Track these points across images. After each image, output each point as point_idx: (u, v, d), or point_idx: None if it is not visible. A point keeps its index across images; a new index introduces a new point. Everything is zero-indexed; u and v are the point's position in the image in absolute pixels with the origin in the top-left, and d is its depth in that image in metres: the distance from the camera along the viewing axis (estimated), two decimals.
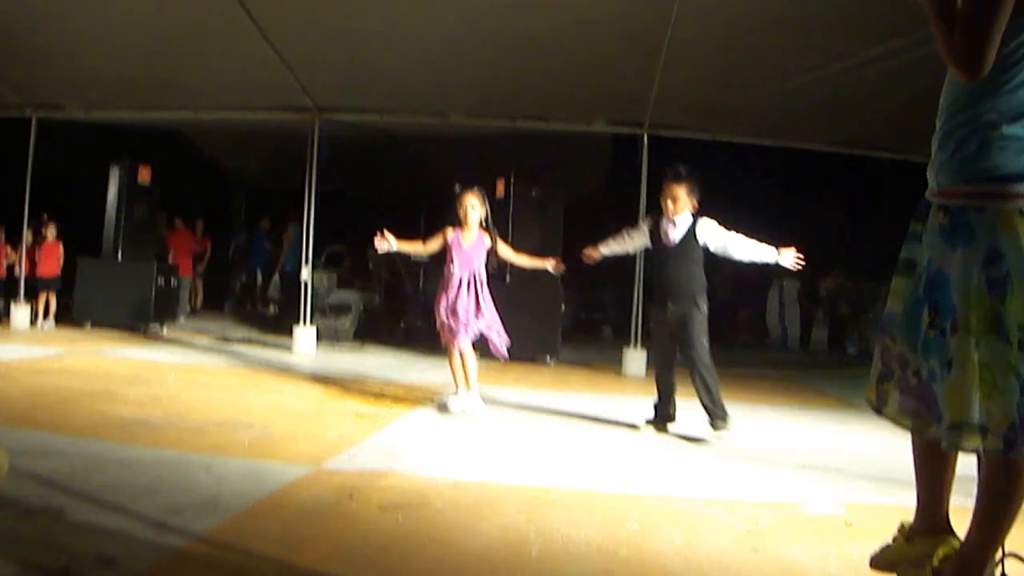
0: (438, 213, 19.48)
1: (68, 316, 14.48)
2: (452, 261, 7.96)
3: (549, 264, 8.42)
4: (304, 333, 12.52)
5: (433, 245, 8.16)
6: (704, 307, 7.35)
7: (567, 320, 14.86)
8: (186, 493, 4.58)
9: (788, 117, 11.58)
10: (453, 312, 7.88)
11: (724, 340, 20.08)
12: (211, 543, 3.89)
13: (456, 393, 8.01)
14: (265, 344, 13.13)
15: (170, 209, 17.52)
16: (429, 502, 4.75)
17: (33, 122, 13.85)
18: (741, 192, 23.95)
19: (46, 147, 14.32)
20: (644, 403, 9.15)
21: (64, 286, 14.96)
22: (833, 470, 6.33)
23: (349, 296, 14.64)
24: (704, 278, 7.42)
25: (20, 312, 13.99)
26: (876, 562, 3.52)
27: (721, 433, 7.19)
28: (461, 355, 7.97)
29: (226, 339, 13.56)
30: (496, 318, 8.11)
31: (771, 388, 11.59)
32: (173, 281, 15.05)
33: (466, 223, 7.98)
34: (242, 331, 14.91)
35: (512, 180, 12.74)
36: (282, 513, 4.43)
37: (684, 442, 7.27)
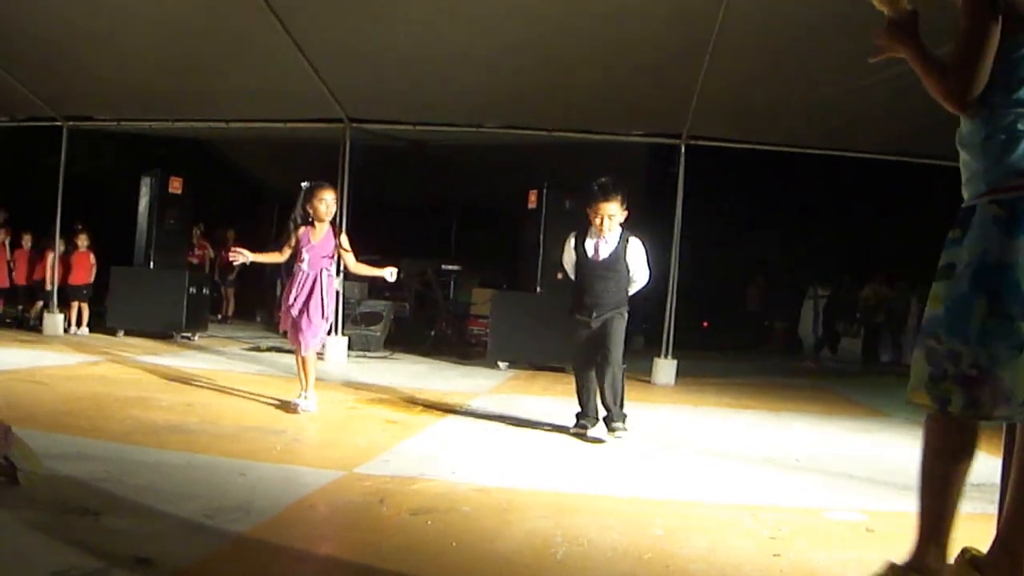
0: (470, 222, 19.63)
1: (101, 324, 14.61)
2: (302, 259, 7.76)
3: (386, 272, 8.08)
4: (335, 341, 12.59)
5: (288, 250, 7.93)
6: (625, 315, 7.34)
7: None
8: (220, 497, 4.63)
9: (829, 125, 11.54)
10: (301, 311, 7.71)
11: (757, 351, 20.10)
12: (245, 545, 3.94)
13: (304, 396, 7.83)
14: (295, 352, 13.19)
15: (202, 219, 17.69)
16: (457, 507, 4.78)
17: (64, 132, 14.02)
18: (780, 201, 23.98)
19: (78, 157, 14.49)
20: (673, 411, 9.24)
21: (97, 294, 15.12)
22: (858, 477, 6.33)
23: (380, 305, 14.72)
24: (627, 289, 7.40)
25: (53, 319, 14.14)
26: None
27: (618, 433, 7.18)
28: (306, 359, 7.86)
29: (257, 347, 13.63)
30: (329, 319, 8.00)
31: (800, 396, 11.56)
32: (204, 289, 15.17)
33: (319, 218, 7.78)
34: (273, 339, 14.98)
35: (545, 191, 12.75)
36: (314, 516, 4.50)
37: (708, 449, 7.25)
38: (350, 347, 12.97)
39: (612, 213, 7.11)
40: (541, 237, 12.53)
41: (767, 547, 4.38)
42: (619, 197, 7.12)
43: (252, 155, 17.20)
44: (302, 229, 7.80)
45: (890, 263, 21.14)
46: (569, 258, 7.54)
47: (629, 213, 7.27)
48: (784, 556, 4.21)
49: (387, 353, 13.85)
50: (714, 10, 9.04)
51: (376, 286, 16.33)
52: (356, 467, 5.64)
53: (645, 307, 20.04)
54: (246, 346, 13.80)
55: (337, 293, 12.55)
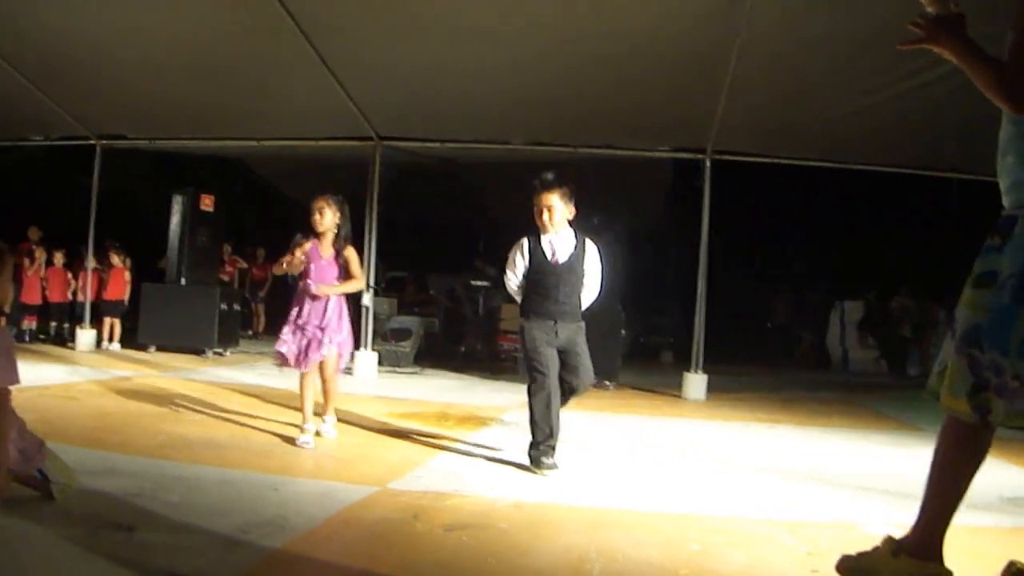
0: (498, 238, 19.64)
1: (133, 340, 14.68)
2: (310, 275, 7.30)
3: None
4: (365, 357, 12.59)
5: (299, 262, 7.32)
6: (584, 326, 6.88)
7: (626, 345, 14.78)
8: (253, 512, 4.64)
9: (853, 138, 11.48)
10: (305, 328, 7.25)
11: (785, 364, 20.01)
12: (280, 560, 3.94)
13: (303, 429, 7.09)
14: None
15: (233, 236, 17.77)
16: (492, 522, 4.76)
17: (97, 151, 14.13)
18: (806, 214, 23.90)
19: (111, 175, 14.60)
20: (705, 426, 9.19)
21: (129, 310, 15.24)
22: (893, 492, 6.24)
23: (409, 321, 14.73)
24: (582, 295, 6.88)
25: (86, 335, 14.22)
26: (846, 566, 3.53)
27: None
28: (304, 382, 7.33)
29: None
30: (347, 335, 7.51)
31: (831, 411, 11.49)
32: (235, 305, 15.22)
33: (317, 228, 7.36)
34: None
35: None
36: (348, 532, 4.48)
37: (742, 464, 7.19)
38: (380, 363, 12.98)
39: (552, 204, 6.58)
40: None
41: (805, 563, 4.34)
42: (560, 189, 6.63)
43: (282, 173, 17.25)
44: (310, 243, 7.40)
45: (914, 275, 20.99)
46: (520, 266, 6.85)
47: (577, 211, 6.76)
48: (822, 572, 4.16)
49: (417, 369, 13.85)
50: (736, 26, 9.02)
51: (405, 302, 16.37)
52: (389, 482, 5.64)
53: (673, 322, 20.12)
54: (278, 362, 13.79)
55: (367, 309, 12.58)
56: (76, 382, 9.97)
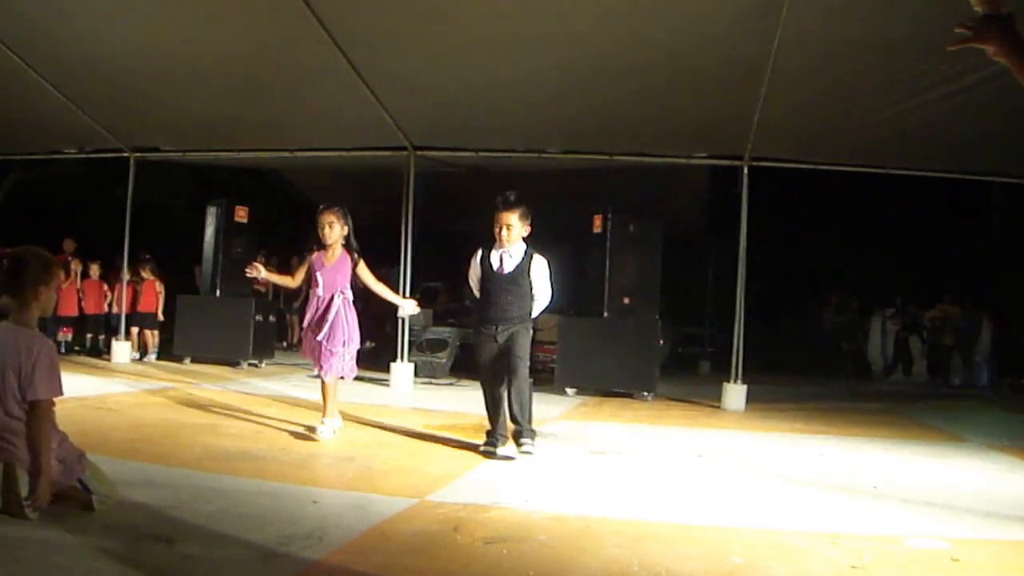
0: (533, 247, 19.58)
1: (168, 351, 14.72)
2: (317, 283, 7.75)
3: (405, 304, 8.51)
4: (401, 368, 12.56)
5: (300, 275, 8.01)
6: (530, 329, 7.38)
7: (664, 354, 14.70)
8: (292, 524, 4.60)
9: (893, 143, 11.34)
10: (316, 335, 7.63)
11: (824, 373, 19.86)
12: (318, 573, 3.90)
13: (323, 422, 7.67)
14: (362, 379, 13.19)
15: (268, 247, 17.80)
16: (532, 535, 4.70)
17: (131, 163, 14.20)
18: (845, 221, 23.73)
19: (145, 187, 14.67)
20: (745, 437, 9.10)
21: (164, 323, 15.31)
22: (937, 504, 6.14)
23: (445, 332, 14.69)
24: (531, 304, 7.39)
25: (122, 347, 14.27)
26: None
27: (526, 448, 7.14)
28: (327, 385, 7.79)
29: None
30: (356, 343, 7.84)
31: (873, 421, 11.33)
32: (270, 317, 15.25)
33: (326, 241, 7.72)
34: None
35: (609, 216, 12.67)
36: (388, 545, 4.42)
37: (783, 475, 7.10)
38: (416, 374, 12.95)
39: (510, 223, 7.18)
40: (607, 261, 12.45)
41: None
42: (519, 210, 7.23)
43: (316, 183, 17.28)
44: (315, 254, 7.81)
45: (958, 283, 20.77)
46: (475, 273, 7.54)
47: (532, 229, 7.38)
48: None
49: (453, 380, 13.81)
50: (772, 31, 8.92)
51: (439, 313, 16.34)
52: (428, 494, 5.59)
53: (711, 331, 20.02)
54: (312, 373, 13.77)
55: (402, 320, 12.55)
56: (113, 394, 10.00)
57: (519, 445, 7.17)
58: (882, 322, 20.48)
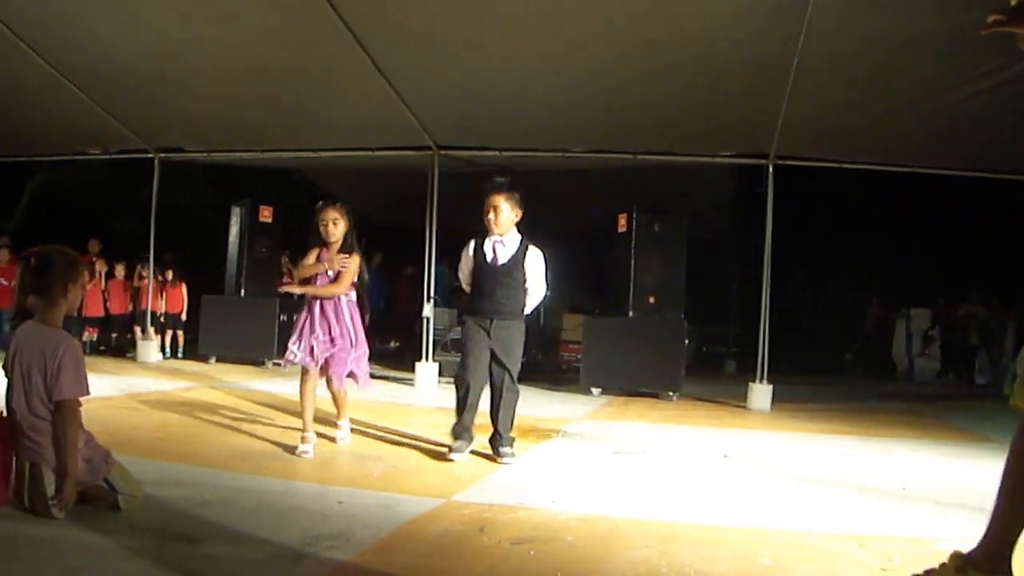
0: (557, 247, 19.58)
1: (193, 351, 14.76)
2: (316, 284, 7.24)
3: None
4: (426, 368, 12.55)
5: (311, 260, 7.31)
6: (523, 325, 7.16)
7: (689, 354, 14.64)
8: (319, 524, 4.60)
9: (921, 141, 11.25)
10: (317, 337, 7.13)
11: (841, 371, 19.78)
12: (346, 573, 3.89)
13: (303, 439, 6.90)
14: (387, 379, 13.21)
15: (292, 246, 17.82)
16: (559, 536, 4.68)
17: (156, 164, 14.27)
18: (872, 220, 23.60)
19: (169, 187, 14.72)
20: (771, 437, 9.05)
21: (189, 322, 15.37)
22: (966, 505, 6.06)
23: None
24: (525, 299, 7.16)
25: (148, 347, 14.32)
26: None
27: (505, 459, 6.86)
28: (305, 387, 7.17)
29: (350, 374, 13.65)
30: (363, 344, 7.41)
31: (899, 421, 11.26)
32: (295, 316, 15.29)
33: (329, 239, 7.26)
34: None
35: (634, 215, 12.63)
36: (414, 545, 4.41)
37: (810, 476, 7.04)
38: (441, 374, 12.92)
39: (498, 205, 6.98)
40: (632, 261, 12.41)
41: None
42: (507, 194, 7.03)
43: (341, 183, 17.27)
44: (318, 251, 7.36)
45: (985, 282, 20.59)
46: (466, 265, 7.28)
47: (523, 215, 7.18)
48: None
49: None
50: (797, 28, 8.87)
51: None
52: (454, 495, 5.58)
53: (736, 331, 19.96)
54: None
55: (427, 320, 12.54)
56: (138, 393, 10.03)
57: (498, 454, 6.93)
58: (907, 322, 20.38)
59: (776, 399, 11.81)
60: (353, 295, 7.35)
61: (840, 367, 20.84)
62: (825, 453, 8.38)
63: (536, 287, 7.20)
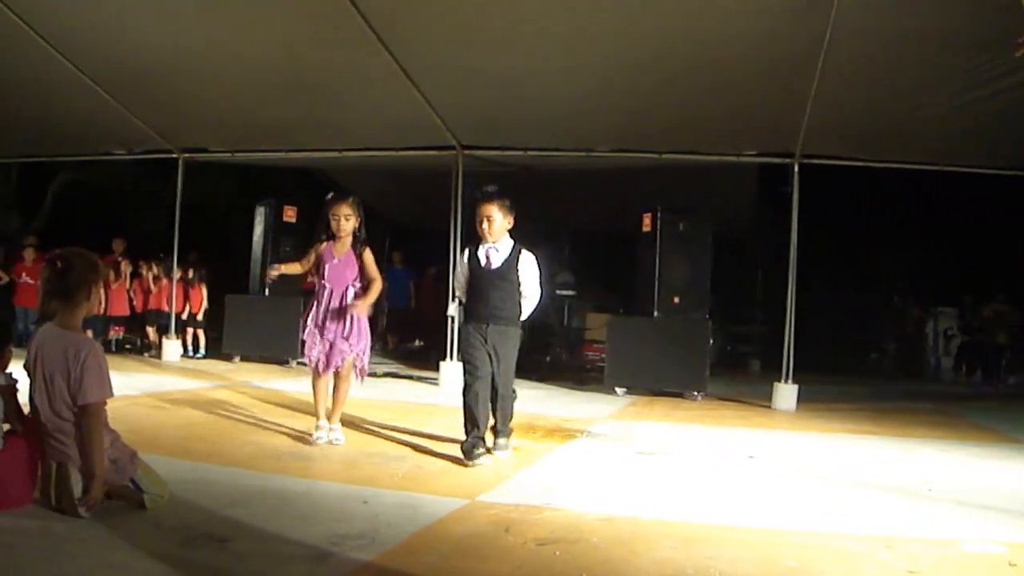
0: (582, 247, 19.57)
1: (217, 350, 14.80)
2: (323, 275, 7.40)
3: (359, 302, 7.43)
4: (451, 368, 12.54)
5: (307, 262, 7.59)
6: (520, 331, 7.27)
7: (714, 354, 14.59)
8: (343, 524, 4.61)
9: (949, 140, 11.15)
10: (323, 330, 7.32)
11: (868, 371, 19.68)
12: (372, 573, 3.90)
13: (317, 427, 7.32)
14: (411, 378, 13.23)
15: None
16: (585, 537, 4.67)
17: (180, 164, 14.33)
18: (898, 219, 23.48)
19: (193, 187, 14.78)
20: (796, 438, 9.01)
21: (213, 321, 15.42)
22: (994, 507, 6.02)
23: None
24: (521, 303, 7.26)
25: (172, 346, 14.38)
26: None
27: (499, 453, 7.04)
28: (318, 382, 7.38)
29: (373, 373, 13.68)
30: (365, 341, 7.46)
31: (926, 422, 11.15)
32: None
33: (339, 235, 7.42)
34: (388, 365, 15.04)
35: (659, 214, 12.58)
36: (439, 545, 4.41)
37: (835, 477, 6.99)
38: None
39: (491, 215, 7.10)
40: (657, 260, 12.36)
41: None
42: (500, 202, 7.15)
43: (364, 183, 17.29)
44: (324, 244, 7.50)
45: (1013, 281, 20.43)
46: (461, 273, 7.49)
47: (515, 223, 7.29)
48: None
49: None
50: (822, 27, 8.81)
51: None
52: (479, 495, 5.58)
53: (761, 330, 19.88)
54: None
55: (451, 319, 12.54)
56: (163, 392, 10.07)
57: (495, 445, 7.09)
58: (935, 321, 20.27)
59: (802, 399, 11.75)
60: (360, 288, 7.46)
61: (867, 367, 20.74)
62: (851, 453, 8.33)
63: (531, 290, 7.30)
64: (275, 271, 7.68)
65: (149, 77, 11.45)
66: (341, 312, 7.29)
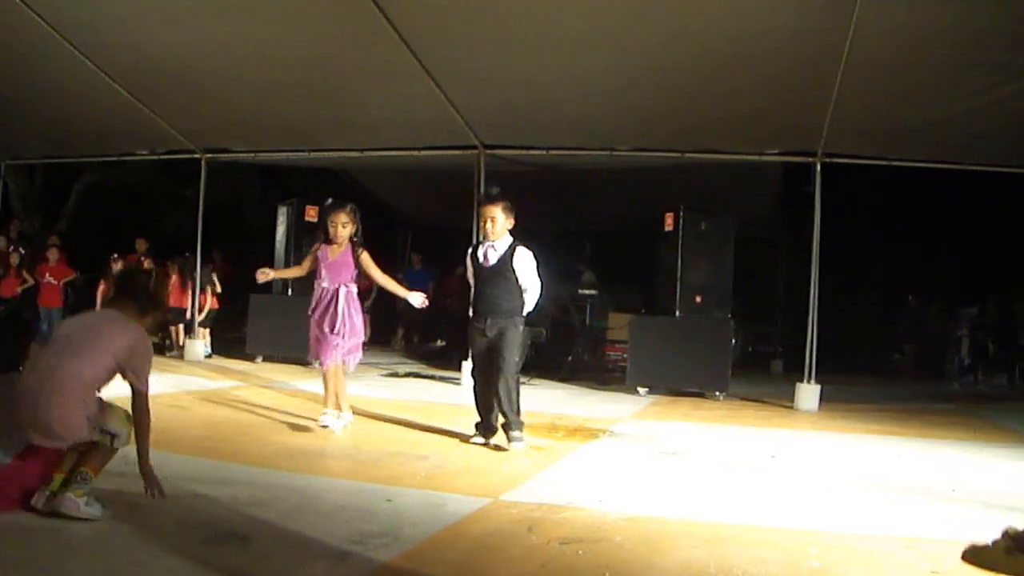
0: (604, 246, 19.51)
1: (240, 350, 14.82)
2: (321, 276, 7.96)
3: (413, 297, 8.25)
4: (471, 367, 12.52)
5: (306, 264, 8.23)
6: (520, 324, 7.61)
7: (736, 354, 14.53)
8: (366, 522, 4.62)
9: (972, 138, 11.05)
10: (320, 326, 7.92)
11: (887, 372, 19.59)
12: (393, 572, 3.91)
13: (326, 413, 7.92)
14: (433, 378, 13.24)
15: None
16: (607, 536, 4.67)
17: (203, 165, 14.38)
18: (921, 217, 23.35)
19: (216, 187, 14.84)
20: (819, 438, 8.97)
21: (236, 321, 15.48)
22: (1018, 508, 5.96)
23: None
24: (521, 298, 7.58)
25: (194, 345, 14.41)
26: (970, 557, 3.39)
27: (514, 444, 7.29)
28: (326, 375, 8.05)
29: (395, 373, 13.70)
30: (357, 335, 8.07)
31: (949, 423, 11.05)
32: None
33: (335, 241, 7.91)
34: (410, 365, 15.05)
35: (681, 213, 12.53)
36: (463, 544, 4.43)
37: (858, 477, 6.96)
38: None
39: (494, 216, 7.48)
40: (679, 260, 12.31)
41: None
42: (501, 204, 7.53)
43: (386, 182, 17.33)
44: (320, 247, 8.02)
45: None
46: (468, 271, 7.88)
47: (517, 222, 7.67)
48: None
49: (525, 379, 13.72)
50: (845, 25, 8.76)
51: None
52: (502, 494, 5.58)
53: (783, 330, 19.80)
54: (383, 372, 13.85)
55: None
56: (185, 391, 10.10)
57: (509, 438, 7.32)
58: (957, 321, 20.12)
59: (824, 399, 11.69)
60: (354, 288, 8.03)
61: (889, 367, 20.64)
62: (874, 454, 8.29)
63: (530, 284, 7.63)
64: (264, 276, 8.33)
65: (172, 78, 11.48)
66: (334, 310, 7.84)
